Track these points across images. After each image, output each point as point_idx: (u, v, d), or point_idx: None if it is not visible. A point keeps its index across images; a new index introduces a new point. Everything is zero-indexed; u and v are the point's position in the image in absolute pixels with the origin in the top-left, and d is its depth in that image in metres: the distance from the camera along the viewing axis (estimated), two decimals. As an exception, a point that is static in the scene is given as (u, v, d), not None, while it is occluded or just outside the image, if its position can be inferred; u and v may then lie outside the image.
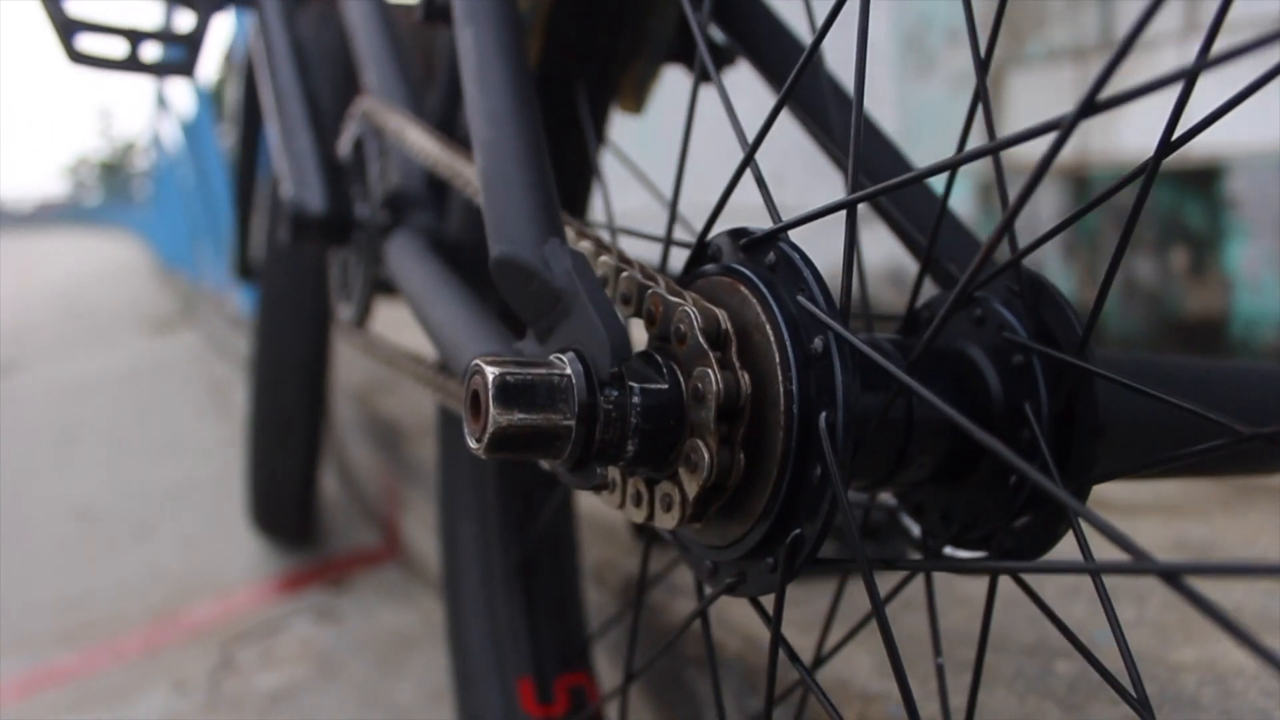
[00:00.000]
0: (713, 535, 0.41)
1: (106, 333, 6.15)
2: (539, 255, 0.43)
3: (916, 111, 2.79)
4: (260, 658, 1.46)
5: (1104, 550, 0.37)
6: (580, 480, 0.40)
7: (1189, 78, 0.27)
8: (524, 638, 0.76)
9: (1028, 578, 0.47)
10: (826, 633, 0.58)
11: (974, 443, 0.46)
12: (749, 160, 0.43)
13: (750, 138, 0.42)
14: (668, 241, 0.48)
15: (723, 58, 0.78)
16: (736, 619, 0.81)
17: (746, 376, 0.38)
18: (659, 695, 0.88)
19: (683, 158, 0.48)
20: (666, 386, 0.39)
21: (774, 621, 0.40)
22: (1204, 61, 0.27)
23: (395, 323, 1.05)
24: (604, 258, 0.45)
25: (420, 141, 0.78)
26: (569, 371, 0.38)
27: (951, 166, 0.36)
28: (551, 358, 0.40)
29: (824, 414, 0.36)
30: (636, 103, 0.79)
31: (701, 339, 0.38)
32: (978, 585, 0.84)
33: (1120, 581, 0.88)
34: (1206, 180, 2.12)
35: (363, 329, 0.99)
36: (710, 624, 0.50)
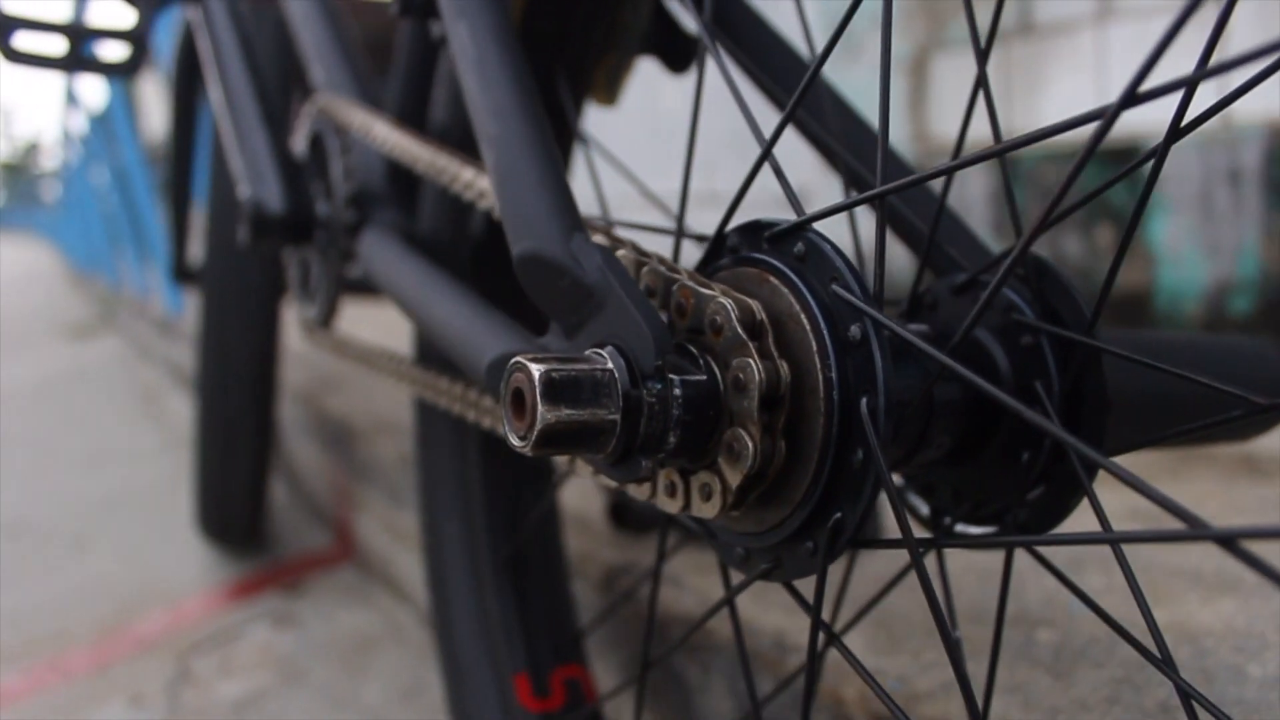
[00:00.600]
0: (748, 522, 0.42)
1: (22, 339, 5.92)
2: (567, 251, 0.43)
3: (849, 94, 2.84)
4: (219, 666, 1.43)
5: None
6: (623, 473, 0.40)
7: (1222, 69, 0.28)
8: (517, 633, 0.76)
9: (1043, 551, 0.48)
10: (841, 600, 0.59)
11: (988, 422, 0.47)
12: (766, 155, 0.43)
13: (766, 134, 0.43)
14: (679, 234, 0.48)
15: (692, 48, 0.78)
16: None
17: (785, 365, 0.39)
18: (648, 681, 0.88)
19: (690, 152, 0.49)
20: (705, 378, 0.39)
21: (815, 604, 0.41)
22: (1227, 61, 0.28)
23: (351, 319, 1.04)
24: (621, 251, 0.45)
25: (390, 137, 0.77)
26: (610, 365, 0.38)
27: (978, 160, 0.37)
28: (589, 353, 0.40)
29: (864, 399, 0.37)
30: (610, 95, 0.79)
31: (740, 330, 0.38)
32: (963, 562, 0.86)
33: (1085, 551, 0.91)
34: (1127, 159, 2.19)
35: (329, 328, 0.97)
36: (737, 611, 0.50)
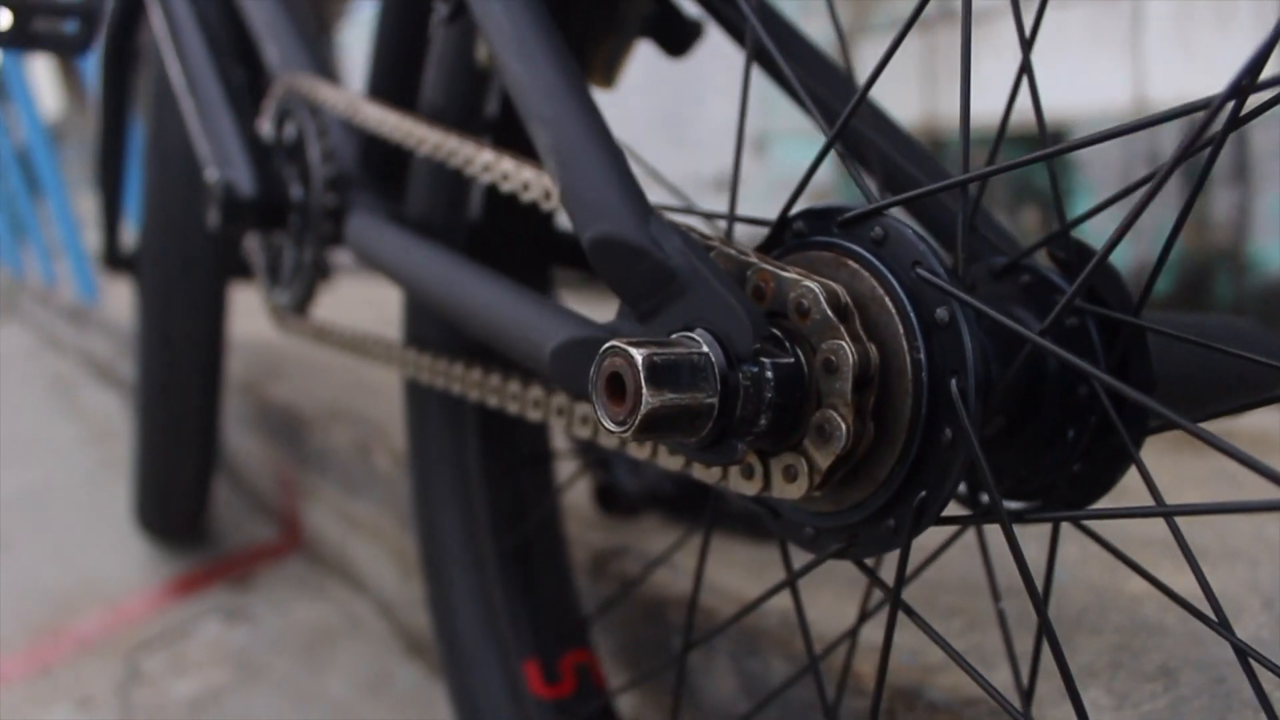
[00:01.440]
0: (826, 503, 0.43)
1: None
2: (646, 235, 0.43)
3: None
4: (171, 664, 1.39)
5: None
6: (716, 457, 0.40)
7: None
8: (525, 620, 0.76)
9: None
10: (867, 601, 0.60)
11: (1036, 400, 0.49)
12: (834, 141, 0.44)
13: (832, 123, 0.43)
14: (731, 218, 0.48)
15: (691, 32, 0.79)
16: (723, 584, 0.83)
17: (874, 348, 0.39)
18: (643, 662, 0.89)
19: (740, 136, 0.49)
20: (793, 360, 0.40)
21: (896, 581, 0.42)
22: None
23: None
24: (687, 233, 0.45)
25: (389, 119, 0.76)
26: (706, 349, 0.38)
27: (1058, 153, 0.38)
28: (677, 337, 0.40)
29: (954, 379, 0.38)
30: (608, 78, 0.79)
31: (830, 312, 0.39)
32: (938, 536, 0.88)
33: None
34: (1052, 142, 2.26)
35: (305, 315, 0.95)
36: (799, 592, 0.51)
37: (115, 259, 1.71)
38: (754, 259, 0.42)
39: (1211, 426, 0.46)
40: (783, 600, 0.78)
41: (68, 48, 1.08)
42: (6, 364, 4.09)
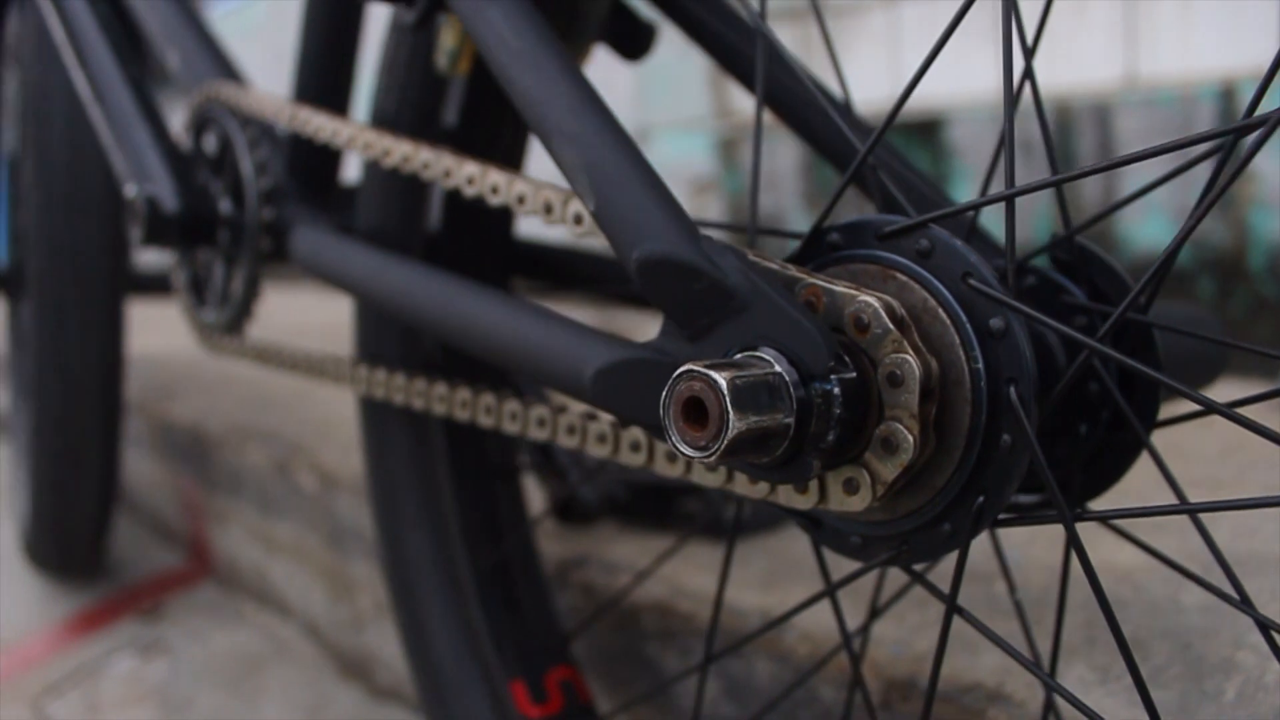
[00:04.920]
0: (881, 512, 0.43)
1: None
2: (701, 254, 0.42)
3: (649, 73, 2.88)
4: (85, 707, 1.31)
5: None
6: (790, 475, 0.40)
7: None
8: (508, 640, 0.74)
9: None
10: (876, 598, 0.61)
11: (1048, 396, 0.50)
12: (868, 155, 0.44)
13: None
14: (753, 231, 0.48)
15: (647, 36, 0.78)
16: (694, 586, 0.83)
17: (933, 359, 0.40)
18: (615, 671, 0.88)
19: (757, 145, 0.49)
20: (856, 374, 0.40)
21: (953, 585, 0.43)
22: None
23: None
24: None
25: (345, 130, 0.73)
26: (779, 369, 0.38)
27: (1077, 177, 0.40)
28: (745, 357, 0.40)
29: (1013, 387, 0.39)
30: (564, 84, 0.77)
31: (891, 325, 0.39)
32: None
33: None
34: (930, 130, 2.34)
35: (240, 334, 0.91)
36: (840, 603, 0.52)
37: (-12, 275, 1.60)
38: (801, 274, 0.42)
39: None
40: (764, 601, 0.79)
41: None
42: None
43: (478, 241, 0.78)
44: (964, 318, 0.40)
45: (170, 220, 0.88)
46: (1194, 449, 1.09)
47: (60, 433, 1.39)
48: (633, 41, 0.77)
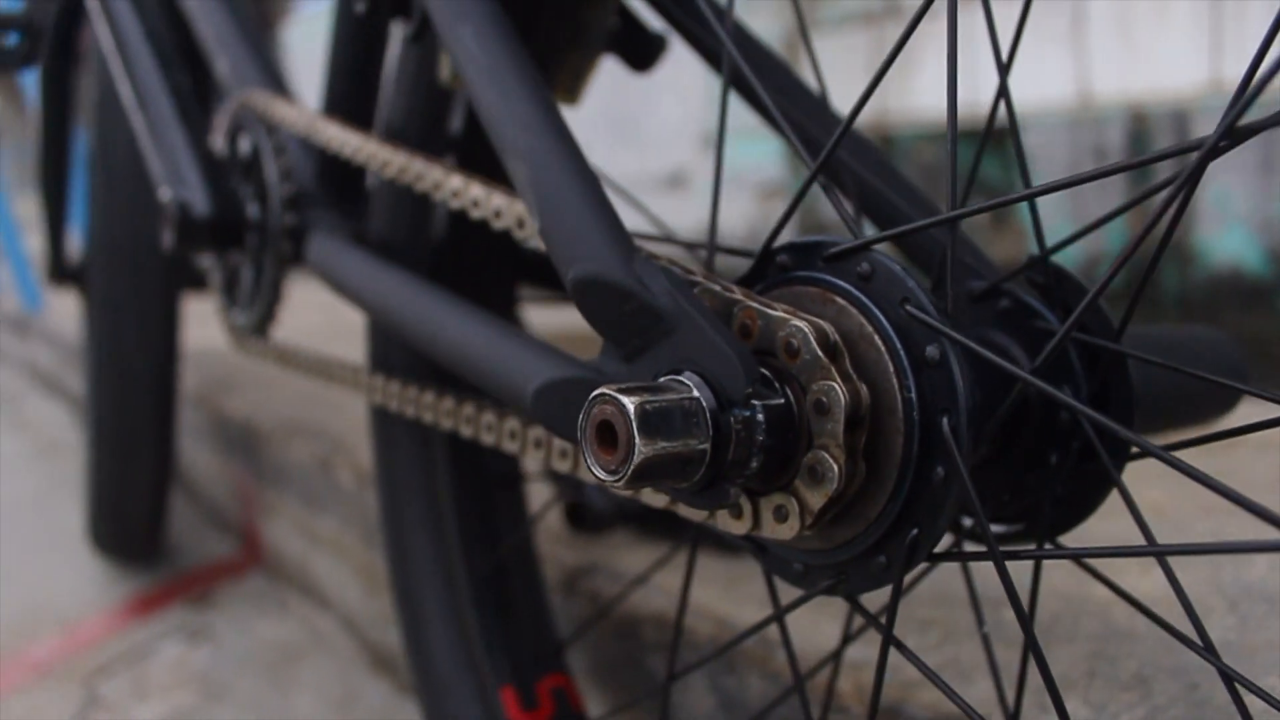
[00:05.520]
0: (816, 540, 0.42)
1: None
2: (632, 274, 0.42)
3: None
4: (132, 688, 1.36)
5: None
6: (708, 501, 0.40)
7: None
8: (500, 646, 0.75)
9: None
10: (849, 626, 0.60)
11: (1017, 426, 0.49)
12: (816, 174, 0.43)
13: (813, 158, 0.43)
14: (712, 249, 0.48)
15: (655, 47, 0.78)
16: (700, 601, 0.83)
17: (864, 387, 0.39)
18: (614, 681, 0.88)
19: (718, 161, 0.48)
20: (784, 401, 0.39)
21: (889, 617, 0.42)
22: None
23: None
24: (670, 268, 0.44)
25: (350, 140, 0.74)
26: (697, 394, 0.38)
27: (1041, 193, 0.38)
28: (668, 380, 0.39)
29: (945, 418, 0.38)
30: (572, 94, 0.78)
31: (820, 352, 0.38)
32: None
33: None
34: (1001, 137, 2.28)
35: (265, 336, 0.93)
36: (787, 627, 0.51)
37: (61, 271, 1.67)
38: (739, 296, 0.42)
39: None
40: (750, 616, 0.78)
41: (10, 62, 1.05)
42: (-55, 377, 3.98)
43: (484, 249, 0.78)
44: (898, 345, 0.39)
45: (200, 224, 0.91)
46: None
47: (117, 422, 1.45)
48: (641, 51, 0.77)
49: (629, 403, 0.36)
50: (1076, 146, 2.24)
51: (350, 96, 0.88)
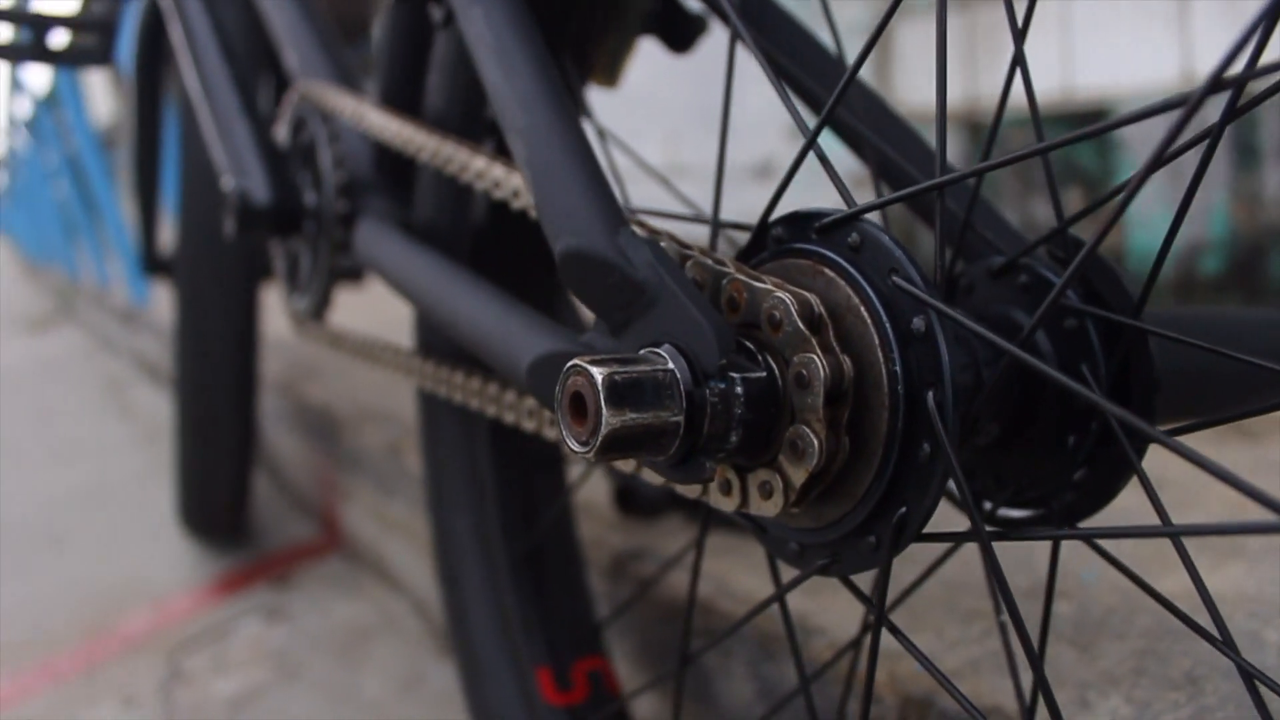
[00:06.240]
0: (806, 519, 0.41)
1: (-24, 334, 5.79)
2: (615, 247, 0.42)
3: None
4: (212, 663, 1.41)
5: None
6: (685, 475, 0.39)
7: None
8: (537, 626, 0.75)
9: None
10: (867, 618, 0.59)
11: (1032, 407, 0.47)
12: (811, 143, 0.42)
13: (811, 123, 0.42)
14: (715, 224, 0.47)
15: (695, 28, 0.77)
16: (743, 589, 0.82)
17: (848, 360, 0.38)
18: (655, 665, 0.88)
19: (723, 139, 0.48)
20: (765, 374, 0.38)
21: (879, 598, 0.40)
22: None
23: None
24: (664, 243, 0.44)
25: (390, 125, 0.75)
26: (671, 366, 0.37)
27: (1029, 155, 0.37)
28: (646, 353, 0.39)
29: (931, 393, 0.37)
30: (611, 76, 0.77)
31: (801, 324, 0.37)
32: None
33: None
34: (1095, 121, 2.19)
35: (321, 321, 0.95)
36: (788, 607, 0.50)
37: (154, 263, 1.74)
38: (730, 268, 0.41)
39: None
40: (805, 606, 0.77)
41: (86, 60, 1.09)
42: (63, 366, 4.19)
43: (524, 235, 0.78)
44: (884, 317, 0.38)
45: (260, 212, 0.94)
46: None
47: (200, 407, 1.50)
48: (680, 32, 0.76)
49: (598, 373, 0.36)
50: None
51: (399, 84, 0.89)
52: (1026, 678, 0.61)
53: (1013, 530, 0.41)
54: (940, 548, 0.58)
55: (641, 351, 0.39)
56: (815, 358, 0.37)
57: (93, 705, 1.35)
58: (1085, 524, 0.47)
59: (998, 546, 0.60)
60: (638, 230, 0.45)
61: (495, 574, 0.77)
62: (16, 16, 1.01)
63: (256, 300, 1.49)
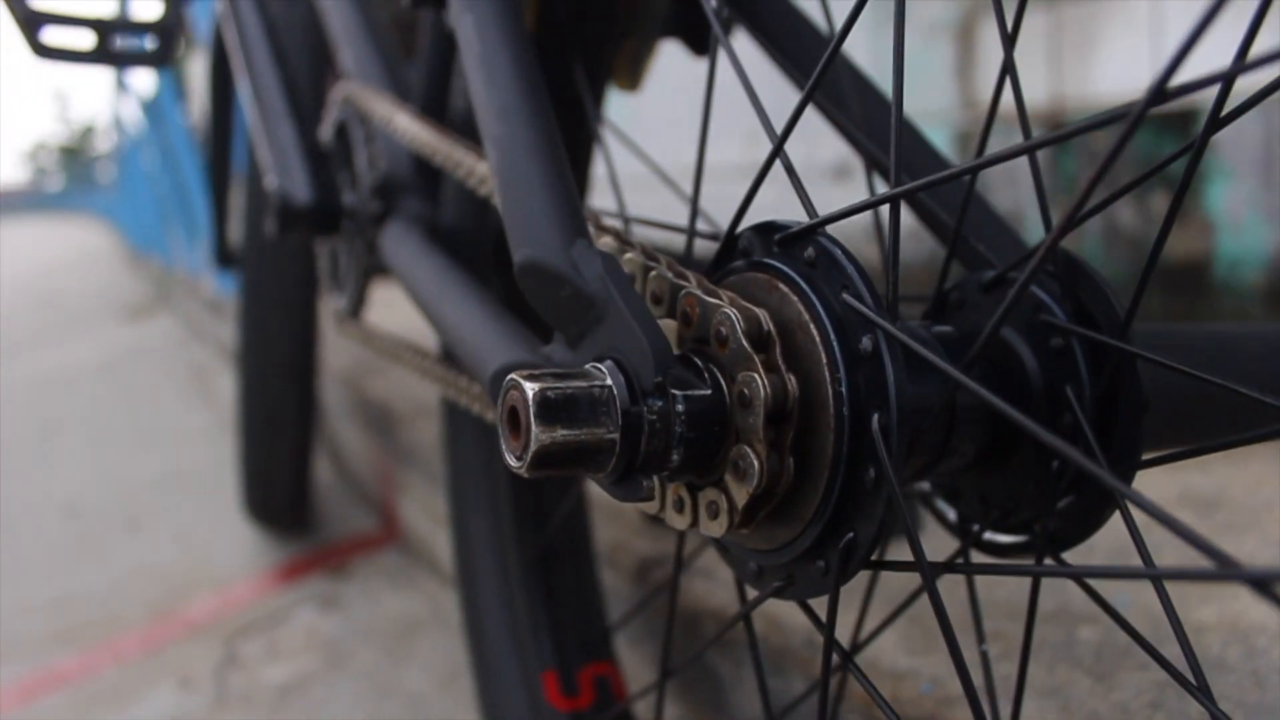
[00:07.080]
0: (759, 539, 0.40)
1: (81, 321, 6.06)
2: (567, 259, 0.41)
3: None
4: (266, 650, 1.45)
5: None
6: (625, 492, 0.39)
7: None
8: (545, 630, 0.75)
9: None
10: (862, 619, 0.57)
11: (1014, 429, 0.45)
12: (778, 151, 0.41)
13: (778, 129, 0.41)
14: (691, 234, 0.46)
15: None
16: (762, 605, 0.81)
17: (793, 379, 0.37)
18: (679, 676, 0.87)
19: (701, 146, 0.47)
20: (709, 392, 0.37)
21: (828, 625, 0.39)
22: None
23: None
24: (629, 254, 0.43)
25: (411, 128, 0.76)
26: (609, 382, 0.37)
27: (1006, 158, 0.35)
28: (588, 367, 0.38)
29: (876, 415, 0.35)
30: (632, 80, 0.77)
31: (745, 342, 0.36)
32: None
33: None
34: (1185, 123, 2.11)
35: (357, 319, 0.97)
36: (753, 625, 0.49)
37: (225, 256, 1.80)
38: (688, 283, 0.40)
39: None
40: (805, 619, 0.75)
41: (148, 62, 1.13)
42: (155, 355, 4.36)
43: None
44: (832, 335, 0.37)
45: (300, 211, 0.96)
46: None
47: (261, 400, 1.55)
48: (702, 35, 0.75)
49: (530, 389, 0.35)
50: (1270, 128, 2.05)
51: (432, 89, 0.90)
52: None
53: (966, 562, 0.39)
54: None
55: (587, 366, 0.39)
56: (757, 376, 0.36)
57: (151, 685, 1.40)
58: (1067, 556, 0.45)
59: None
60: (607, 242, 0.45)
61: (507, 575, 0.78)
62: (79, 21, 1.05)
63: (316, 295, 1.52)
